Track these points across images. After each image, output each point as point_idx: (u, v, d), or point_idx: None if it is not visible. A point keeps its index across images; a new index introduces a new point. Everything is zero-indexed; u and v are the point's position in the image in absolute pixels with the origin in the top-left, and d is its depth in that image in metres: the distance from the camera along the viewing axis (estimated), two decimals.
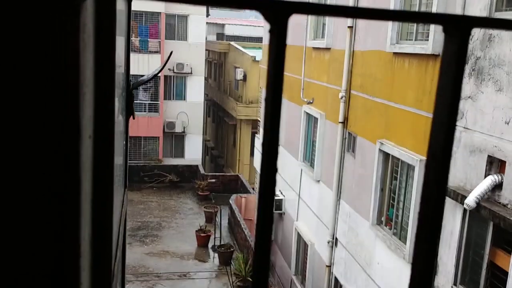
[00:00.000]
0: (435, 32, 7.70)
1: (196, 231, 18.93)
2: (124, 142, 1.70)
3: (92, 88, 0.70)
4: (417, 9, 8.61)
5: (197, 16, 27.85)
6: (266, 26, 0.54)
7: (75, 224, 0.60)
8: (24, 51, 0.54)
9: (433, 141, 0.65)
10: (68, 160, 0.56)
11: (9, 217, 0.56)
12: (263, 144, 0.55)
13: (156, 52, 26.81)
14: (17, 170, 0.55)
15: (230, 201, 20.44)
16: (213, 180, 24.49)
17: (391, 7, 9.07)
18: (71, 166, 0.56)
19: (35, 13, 0.53)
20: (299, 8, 0.55)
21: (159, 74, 26.42)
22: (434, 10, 7.78)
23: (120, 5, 1.58)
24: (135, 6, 27.00)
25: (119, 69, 1.57)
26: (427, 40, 8.09)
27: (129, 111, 1.76)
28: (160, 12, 26.66)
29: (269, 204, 0.56)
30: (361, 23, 10.59)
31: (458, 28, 0.58)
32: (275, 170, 0.56)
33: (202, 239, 18.66)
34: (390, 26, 9.17)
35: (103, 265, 0.86)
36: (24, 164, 0.56)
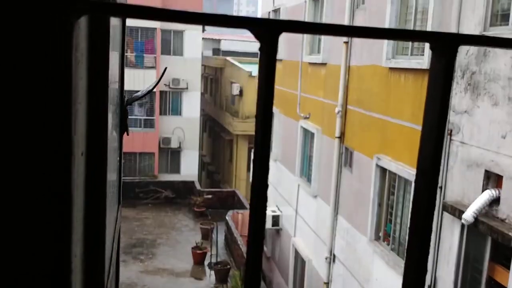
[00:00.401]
0: None
1: (192, 248, 18.80)
2: (118, 159, 1.70)
3: (85, 105, 0.70)
4: (412, 24, 8.69)
5: (193, 31, 27.99)
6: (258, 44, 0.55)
7: (67, 241, 0.60)
8: (18, 70, 0.54)
9: (421, 157, 0.66)
10: (59, 177, 0.56)
11: None
12: (255, 158, 0.56)
13: (151, 67, 26.89)
14: (7, 188, 0.55)
15: (227, 217, 20.36)
16: (209, 196, 24.39)
17: (386, 22, 9.16)
18: (62, 184, 0.56)
19: (27, 33, 0.53)
20: (288, 26, 0.56)
21: (154, 90, 26.48)
22: (429, 24, 7.85)
23: (114, 20, 1.59)
24: (130, 22, 27.11)
25: (113, 84, 1.58)
26: (423, 55, 8.15)
27: (123, 127, 1.76)
28: (155, 28, 26.79)
29: (260, 221, 0.56)
30: (357, 39, 10.67)
31: (445, 46, 0.59)
32: (266, 185, 0.56)
33: (198, 256, 18.52)
34: (385, 41, 9.24)
35: (96, 282, 0.86)
36: (15, 181, 0.56)
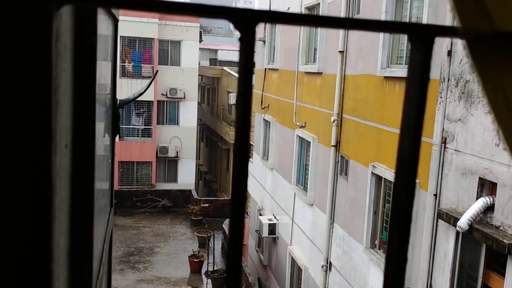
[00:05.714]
0: None
1: (189, 256, 18.76)
2: (110, 160, 1.71)
3: (69, 98, 0.71)
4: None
5: (190, 41, 28.10)
6: (237, 34, 0.56)
7: (46, 228, 0.60)
8: None
9: (401, 150, 0.67)
10: (39, 166, 0.57)
11: None
12: (235, 151, 0.56)
13: (149, 77, 26.95)
14: None
15: (224, 226, 20.34)
16: (206, 205, 24.38)
17: (381, 33, 9.20)
18: (43, 172, 0.57)
19: (4, 21, 0.54)
20: (265, 16, 0.58)
21: (150, 98, 26.54)
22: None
23: (106, 30, 1.60)
24: (128, 32, 27.05)
25: (105, 89, 1.59)
26: None
27: (115, 130, 1.77)
28: (153, 38, 26.90)
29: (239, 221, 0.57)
30: (352, 48, 10.72)
31: (422, 37, 0.60)
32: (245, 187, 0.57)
33: (195, 265, 18.48)
34: (380, 51, 9.29)
35: (82, 277, 0.86)
36: None
